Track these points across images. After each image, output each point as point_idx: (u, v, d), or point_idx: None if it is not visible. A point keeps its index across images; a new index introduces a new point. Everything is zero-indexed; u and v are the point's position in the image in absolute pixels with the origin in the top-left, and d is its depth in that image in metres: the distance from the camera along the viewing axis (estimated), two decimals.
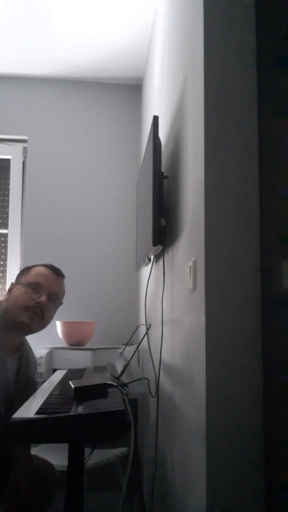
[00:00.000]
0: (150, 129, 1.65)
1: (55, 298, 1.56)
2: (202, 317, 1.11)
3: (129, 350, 2.19)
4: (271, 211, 1.13)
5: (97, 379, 1.38)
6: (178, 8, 1.64)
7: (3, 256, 3.12)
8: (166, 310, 1.69)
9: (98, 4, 2.42)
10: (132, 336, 2.28)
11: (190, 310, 1.26)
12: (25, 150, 3.20)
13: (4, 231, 3.14)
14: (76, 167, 3.15)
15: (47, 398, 1.21)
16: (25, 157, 3.20)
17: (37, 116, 3.17)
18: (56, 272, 1.59)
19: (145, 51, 2.85)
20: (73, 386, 1.18)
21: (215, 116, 1.15)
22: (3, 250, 3.12)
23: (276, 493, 1.04)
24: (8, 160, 3.21)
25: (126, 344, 2.24)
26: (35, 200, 3.09)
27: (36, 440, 1.05)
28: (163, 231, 1.63)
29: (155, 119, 1.60)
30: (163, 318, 1.73)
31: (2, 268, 3.10)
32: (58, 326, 2.65)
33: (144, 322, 2.44)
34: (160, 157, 1.65)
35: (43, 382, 1.56)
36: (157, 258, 1.96)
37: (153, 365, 1.86)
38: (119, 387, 1.28)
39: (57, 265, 1.64)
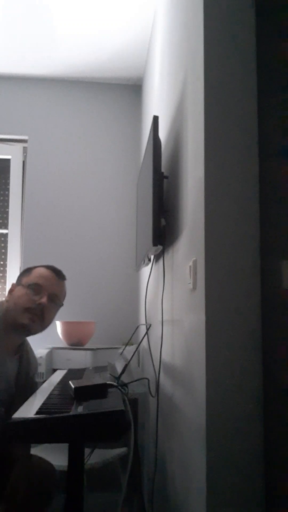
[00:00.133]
0: (150, 129, 1.65)
1: (56, 300, 1.55)
2: (202, 317, 1.11)
3: (129, 350, 2.19)
4: (271, 211, 1.13)
5: (97, 379, 1.38)
6: (178, 8, 1.64)
7: (3, 256, 3.12)
8: (166, 310, 1.69)
9: (98, 4, 2.42)
10: (132, 336, 2.28)
11: (190, 310, 1.26)
12: (25, 150, 3.20)
13: (4, 231, 3.14)
14: (76, 167, 3.15)
15: (47, 398, 1.21)
16: (25, 157, 3.20)
17: (37, 116, 3.17)
18: (57, 274, 1.59)
19: (145, 51, 2.85)
20: (73, 386, 1.18)
21: (215, 116, 1.15)
22: (3, 250, 3.12)
23: (276, 492, 1.04)
24: (8, 160, 3.21)
25: (126, 344, 2.24)
26: (35, 200, 3.09)
27: (36, 440, 1.05)
28: (163, 231, 1.63)
29: (155, 119, 1.60)
30: (163, 318, 1.73)
31: (2, 268, 3.10)
32: (58, 326, 2.65)
33: (144, 322, 2.44)
34: (160, 157, 1.65)
35: (43, 382, 1.56)
36: (157, 258, 1.96)
37: (153, 365, 1.86)
38: (119, 387, 1.28)
39: (57, 265, 1.64)
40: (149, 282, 2.20)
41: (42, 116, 3.18)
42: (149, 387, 1.99)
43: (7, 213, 3.16)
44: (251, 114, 1.16)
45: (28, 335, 1.56)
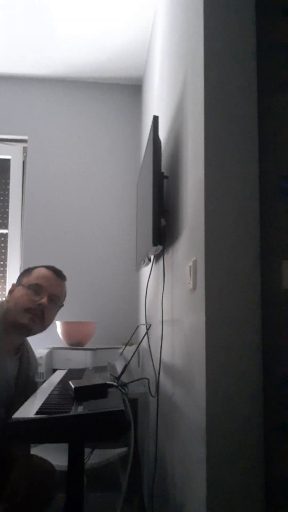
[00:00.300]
0: (150, 129, 1.65)
1: (56, 300, 1.55)
2: (202, 317, 1.11)
3: (129, 350, 2.19)
4: (271, 211, 1.13)
5: (97, 379, 1.38)
6: (178, 8, 1.64)
7: (3, 256, 3.12)
8: (166, 310, 1.69)
9: (98, 4, 2.42)
10: (132, 336, 2.28)
11: (190, 310, 1.26)
12: (25, 150, 3.20)
13: (4, 231, 3.14)
14: (76, 167, 3.15)
15: (47, 398, 1.21)
16: (25, 157, 3.20)
17: (37, 116, 3.17)
18: (58, 274, 1.59)
19: (145, 51, 2.85)
20: (73, 386, 1.18)
21: (215, 116, 1.15)
22: (3, 250, 3.12)
23: (276, 492, 1.04)
24: (8, 160, 3.21)
25: (126, 344, 2.24)
26: (35, 200, 3.09)
27: (36, 440, 1.05)
28: (163, 231, 1.63)
29: (155, 119, 1.60)
30: (163, 318, 1.73)
31: (2, 268, 3.10)
32: (58, 326, 2.65)
33: (144, 322, 2.44)
34: (160, 157, 1.65)
35: (43, 382, 1.56)
36: (157, 258, 1.96)
37: (153, 365, 1.86)
38: (119, 387, 1.28)
39: (57, 265, 1.63)
40: (149, 282, 2.20)
41: (42, 116, 3.18)
42: (149, 387, 1.99)
43: (7, 213, 3.16)
44: (251, 114, 1.16)
45: (28, 335, 1.56)
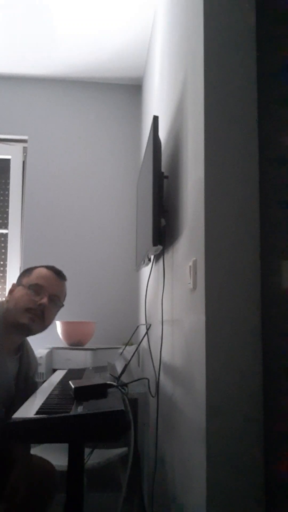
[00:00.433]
0: (150, 129, 1.65)
1: (56, 300, 1.55)
2: (202, 317, 1.11)
3: (129, 350, 2.19)
4: (271, 211, 1.13)
5: (97, 379, 1.38)
6: (178, 8, 1.64)
7: (3, 256, 3.12)
8: (166, 310, 1.69)
9: (98, 4, 2.42)
10: (132, 336, 2.28)
11: (190, 310, 1.26)
12: (25, 150, 3.20)
13: (4, 231, 3.14)
14: (76, 167, 3.15)
15: (47, 398, 1.21)
16: (25, 157, 3.20)
17: (37, 116, 3.17)
18: (58, 274, 1.59)
19: (145, 51, 2.85)
20: (73, 386, 1.18)
21: (215, 116, 1.15)
22: (3, 250, 3.12)
23: (276, 493, 1.04)
24: (8, 160, 3.21)
25: (126, 344, 2.24)
26: (35, 200, 3.09)
27: (36, 440, 1.05)
28: (163, 231, 1.63)
29: (155, 119, 1.60)
30: (163, 318, 1.73)
31: (2, 268, 3.10)
32: (58, 326, 2.65)
33: (144, 322, 2.44)
34: (160, 157, 1.65)
35: (43, 382, 1.56)
36: (157, 258, 1.96)
37: (153, 365, 1.86)
38: (119, 387, 1.28)
39: (57, 265, 1.63)
40: (149, 282, 2.20)
41: (42, 116, 3.18)
42: (149, 387, 1.99)
43: (7, 213, 3.16)
44: (251, 114, 1.16)
45: (29, 335, 1.56)
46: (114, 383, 1.28)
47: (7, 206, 3.17)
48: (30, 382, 1.64)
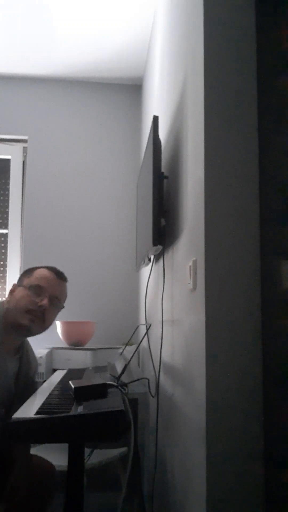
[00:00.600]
0: (150, 129, 1.65)
1: (56, 302, 1.55)
2: (202, 317, 1.11)
3: (129, 350, 2.19)
4: (271, 211, 1.13)
5: (97, 379, 1.38)
6: (178, 8, 1.64)
7: (3, 256, 3.12)
8: (166, 310, 1.69)
9: (98, 4, 2.42)
10: (132, 336, 2.28)
11: (190, 310, 1.26)
12: (25, 150, 3.20)
13: (4, 231, 3.14)
14: (76, 167, 3.15)
15: (47, 398, 1.21)
16: (25, 157, 3.20)
17: (37, 116, 3.17)
18: (59, 276, 1.58)
19: (145, 51, 2.85)
20: (73, 386, 1.18)
21: (215, 116, 1.15)
22: (3, 250, 3.12)
23: (276, 493, 1.04)
24: (8, 160, 3.21)
25: (126, 344, 2.24)
26: (35, 200, 3.09)
27: (36, 440, 1.05)
28: (163, 231, 1.63)
29: (155, 119, 1.60)
30: (163, 318, 1.73)
31: (2, 268, 3.10)
32: (58, 326, 2.65)
33: (144, 322, 2.44)
34: (160, 157, 1.65)
35: (43, 382, 1.56)
36: (157, 258, 1.96)
37: (153, 365, 1.86)
38: (119, 387, 1.28)
39: (57, 265, 1.63)
40: (149, 282, 2.20)
41: (42, 116, 3.18)
42: (149, 387, 1.99)
43: (7, 213, 3.16)
44: (251, 114, 1.16)
45: (28, 336, 1.56)
46: (114, 383, 1.28)
47: (7, 206, 3.17)
48: (30, 382, 1.64)
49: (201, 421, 1.09)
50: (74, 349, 2.55)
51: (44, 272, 1.56)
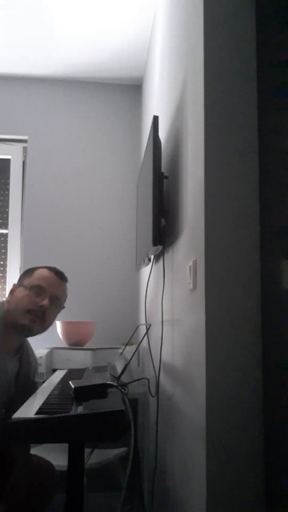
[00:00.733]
0: (150, 129, 1.65)
1: (57, 302, 1.55)
2: (202, 317, 1.11)
3: (129, 350, 2.19)
4: (271, 211, 1.13)
5: (97, 379, 1.38)
6: (178, 8, 1.64)
7: (3, 256, 3.12)
8: (166, 310, 1.69)
9: (98, 4, 2.42)
10: (132, 336, 2.28)
11: (190, 310, 1.26)
12: (25, 150, 3.20)
13: (4, 231, 3.14)
14: (76, 167, 3.15)
15: (47, 398, 1.21)
16: (25, 157, 3.20)
17: (37, 116, 3.17)
18: (60, 276, 1.58)
19: (145, 51, 2.85)
20: (73, 386, 1.18)
21: (215, 116, 1.15)
22: (3, 250, 3.12)
23: (276, 492, 1.04)
24: (8, 160, 3.21)
25: (126, 344, 2.24)
26: (35, 200, 3.09)
27: (36, 440, 1.05)
28: (163, 231, 1.63)
29: (155, 119, 1.60)
30: (163, 318, 1.73)
31: (2, 268, 3.10)
32: (58, 326, 2.65)
33: (144, 322, 2.44)
34: (160, 157, 1.65)
35: (43, 382, 1.56)
36: (157, 258, 1.96)
37: (153, 365, 1.87)
38: (119, 387, 1.28)
39: (57, 265, 1.63)
40: (149, 282, 2.20)
41: (42, 116, 3.18)
42: (149, 387, 1.99)
43: (7, 213, 3.16)
44: (251, 114, 1.16)
45: (29, 336, 1.56)
46: (114, 383, 1.28)
47: (7, 206, 3.17)
48: (30, 382, 1.64)
49: (201, 421, 1.09)
50: (74, 349, 2.55)
51: (44, 272, 1.56)
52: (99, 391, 1.20)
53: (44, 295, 1.51)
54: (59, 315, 1.63)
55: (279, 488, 1.04)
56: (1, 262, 3.11)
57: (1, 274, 3.10)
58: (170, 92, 1.78)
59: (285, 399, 1.06)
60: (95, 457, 2.00)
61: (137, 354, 2.70)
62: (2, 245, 3.13)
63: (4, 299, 1.59)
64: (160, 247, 1.61)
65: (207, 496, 1.03)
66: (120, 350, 2.32)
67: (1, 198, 3.19)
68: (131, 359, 1.90)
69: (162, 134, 1.91)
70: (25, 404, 1.15)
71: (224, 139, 1.14)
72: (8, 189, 3.19)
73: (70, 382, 1.24)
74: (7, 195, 3.19)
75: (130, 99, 3.25)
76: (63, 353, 2.53)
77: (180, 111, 1.52)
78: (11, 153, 3.21)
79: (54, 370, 2.37)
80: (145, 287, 2.23)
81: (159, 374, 1.76)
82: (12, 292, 1.56)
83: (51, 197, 3.10)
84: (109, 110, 3.23)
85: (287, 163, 1.15)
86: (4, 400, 1.48)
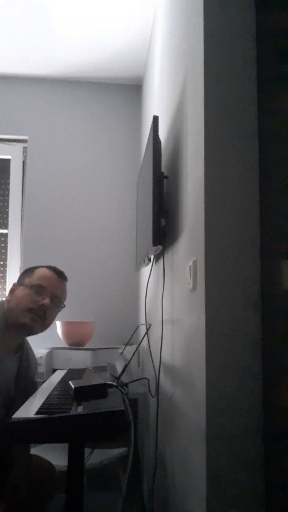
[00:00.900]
0: (150, 129, 1.65)
1: (57, 301, 1.56)
2: (202, 317, 1.11)
3: (129, 350, 2.19)
4: (271, 211, 1.13)
5: (97, 379, 1.38)
6: (178, 8, 1.64)
7: (3, 256, 3.12)
8: (166, 310, 1.69)
9: (98, 4, 2.42)
10: (132, 336, 2.28)
11: (190, 310, 1.26)
12: (25, 150, 3.20)
13: (4, 231, 3.14)
14: (76, 167, 3.15)
15: (47, 398, 1.21)
16: (25, 157, 3.20)
17: (37, 116, 3.17)
18: (60, 275, 1.59)
19: (145, 51, 2.85)
20: (73, 386, 1.18)
21: (215, 116, 1.15)
22: (3, 250, 3.12)
23: (276, 492, 1.04)
24: (8, 160, 3.21)
25: (126, 344, 2.24)
26: (35, 200, 3.09)
27: (36, 440, 1.05)
28: (163, 231, 1.63)
29: (155, 119, 1.60)
30: (163, 318, 1.73)
31: (2, 268, 3.10)
32: (58, 326, 2.65)
33: (144, 322, 2.44)
34: (160, 157, 1.65)
35: (43, 382, 1.56)
36: (157, 258, 1.96)
37: (153, 365, 1.87)
38: (119, 387, 1.28)
39: (57, 265, 1.64)
40: (149, 282, 2.20)
41: (42, 116, 3.18)
42: (149, 387, 1.99)
43: (7, 213, 3.16)
44: (251, 114, 1.16)
45: (29, 335, 1.56)
46: (114, 383, 1.28)
47: (7, 206, 3.17)
48: (30, 382, 1.64)
49: (201, 421, 1.09)
50: (74, 349, 2.55)
51: (45, 271, 1.57)
52: (99, 391, 1.20)
53: (44, 294, 1.51)
54: (59, 314, 1.63)
55: (279, 488, 1.04)
56: (1, 262, 3.11)
57: (1, 274, 3.10)
58: (170, 92, 1.78)
59: (285, 399, 1.06)
60: (95, 457, 2.00)
61: (137, 354, 2.70)
62: (2, 245, 3.13)
63: (4, 298, 1.59)
64: (160, 247, 1.61)
65: (207, 496, 1.03)
66: (120, 350, 2.32)
67: (1, 198, 3.19)
68: (131, 359, 1.90)
69: (162, 134, 1.91)
70: (25, 404, 1.15)
71: (224, 139, 1.14)
72: (8, 189, 3.19)
73: (70, 382, 1.24)
74: (7, 195, 3.19)
75: (130, 99, 3.25)
76: (63, 353, 2.53)
77: (180, 111, 1.52)
78: (11, 153, 3.21)
79: (54, 370, 2.37)
80: (145, 287, 2.23)
81: (159, 374, 1.76)
82: (12, 291, 1.57)
83: (51, 197, 3.10)
84: (109, 110, 3.23)
85: (287, 163, 1.15)
86: (4, 399, 1.48)
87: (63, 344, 2.69)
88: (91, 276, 3.05)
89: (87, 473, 1.96)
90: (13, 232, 3.14)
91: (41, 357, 2.37)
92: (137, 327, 2.82)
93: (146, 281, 2.29)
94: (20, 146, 3.21)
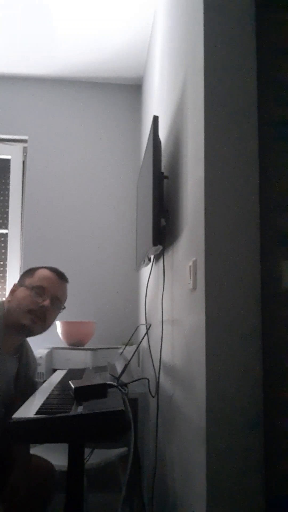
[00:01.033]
0: (150, 129, 1.65)
1: (58, 303, 1.56)
2: (202, 317, 1.11)
3: (129, 350, 2.19)
4: (271, 211, 1.13)
5: (97, 379, 1.38)
6: (178, 8, 1.64)
7: (3, 256, 3.12)
8: (166, 310, 1.69)
9: (98, 4, 2.42)
10: (132, 336, 2.28)
11: (190, 310, 1.26)
12: (25, 150, 3.20)
13: (4, 231, 3.14)
14: (76, 167, 3.15)
15: (47, 398, 1.21)
16: (25, 157, 3.20)
17: (37, 116, 3.17)
18: (60, 276, 1.59)
19: (145, 51, 2.85)
20: (73, 386, 1.18)
21: (215, 116, 1.15)
22: (3, 250, 3.12)
23: (276, 493, 1.04)
24: (8, 160, 3.21)
25: (126, 344, 2.24)
26: (35, 200, 3.09)
27: (36, 440, 1.05)
28: (163, 231, 1.63)
29: (155, 119, 1.60)
30: (163, 318, 1.73)
31: (2, 268, 3.10)
32: (58, 326, 2.65)
33: (144, 322, 2.44)
34: (160, 157, 1.65)
35: (43, 382, 1.56)
36: (157, 258, 1.96)
37: (153, 365, 1.87)
38: (119, 387, 1.28)
39: (57, 265, 1.63)
40: (149, 282, 2.20)
41: (42, 116, 3.18)
42: (149, 387, 1.99)
43: (7, 213, 3.16)
44: (251, 114, 1.16)
45: (29, 336, 1.56)
46: (114, 383, 1.28)
47: (7, 206, 3.17)
48: (29, 382, 1.64)
49: (201, 421, 1.09)
50: (74, 349, 2.55)
51: (46, 272, 1.57)
52: (99, 391, 1.20)
53: (45, 296, 1.51)
54: (59, 315, 1.63)
55: (279, 488, 1.04)
56: (1, 262, 3.11)
57: (1, 274, 3.10)
58: (170, 92, 1.78)
59: (285, 399, 1.06)
60: (95, 457, 2.00)
61: (137, 354, 2.70)
62: (2, 245, 3.13)
63: (4, 299, 1.59)
64: (160, 247, 1.61)
65: (207, 496, 1.03)
66: (120, 350, 2.32)
67: (1, 198, 3.19)
68: (131, 359, 1.90)
69: (162, 134, 1.91)
70: (25, 404, 1.15)
71: (224, 139, 1.14)
72: (8, 189, 3.19)
73: (70, 382, 1.24)
74: (7, 195, 3.19)
75: (130, 99, 3.25)
76: (63, 353, 2.53)
77: (180, 111, 1.52)
78: (11, 153, 3.21)
79: (54, 370, 2.37)
80: (145, 287, 2.23)
81: (159, 374, 1.76)
82: (12, 292, 1.57)
83: (51, 197, 3.10)
84: (109, 110, 3.23)
85: (287, 164, 1.15)
86: (4, 399, 1.48)
87: (63, 344, 2.69)
88: (91, 276, 3.05)
89: (87, 473, 1.96)
90: (13, 232, 3.14)
91: (41, 357, 2.37)
92: (137, 327, 2.82)
93: (146, 281, 2.29)
94: (20, 146, 3.21)
